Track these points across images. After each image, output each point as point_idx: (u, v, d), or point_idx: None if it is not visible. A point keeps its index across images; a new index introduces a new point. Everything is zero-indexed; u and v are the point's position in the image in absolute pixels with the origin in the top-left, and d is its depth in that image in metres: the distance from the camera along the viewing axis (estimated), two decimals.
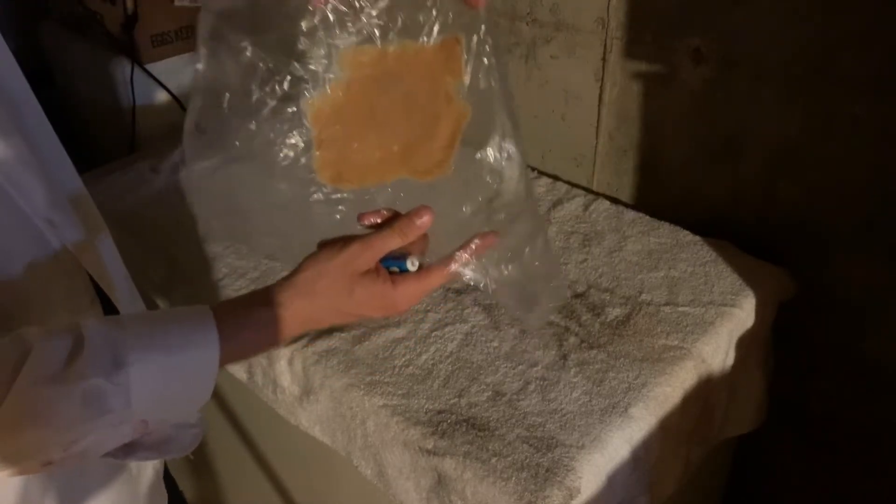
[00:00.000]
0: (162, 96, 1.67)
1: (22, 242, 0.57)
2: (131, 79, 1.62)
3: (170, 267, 1.14)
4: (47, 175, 0.59)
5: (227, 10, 0.57)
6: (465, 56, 0.61)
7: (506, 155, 0.65)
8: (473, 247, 0.62)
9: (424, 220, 0.59)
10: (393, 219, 0.61)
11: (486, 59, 0.62)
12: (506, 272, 0.64)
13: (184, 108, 1.69)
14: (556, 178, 1.31)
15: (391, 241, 0.59)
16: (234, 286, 1.07)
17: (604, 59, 1.19)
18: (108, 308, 0.68)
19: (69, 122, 1.86)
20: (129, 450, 0.54)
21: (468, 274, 0.63)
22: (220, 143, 0.60)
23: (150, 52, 1.62)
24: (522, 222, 0.66)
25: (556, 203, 1.22)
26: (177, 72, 1.68)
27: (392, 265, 0.60)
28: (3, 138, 0.55)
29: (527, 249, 0.66)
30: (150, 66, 1.64)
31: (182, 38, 1.66)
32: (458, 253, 0.61)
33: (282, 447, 1.17)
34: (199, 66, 0.59)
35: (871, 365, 1.09)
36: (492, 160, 0.64)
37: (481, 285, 0.63)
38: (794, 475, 1.26)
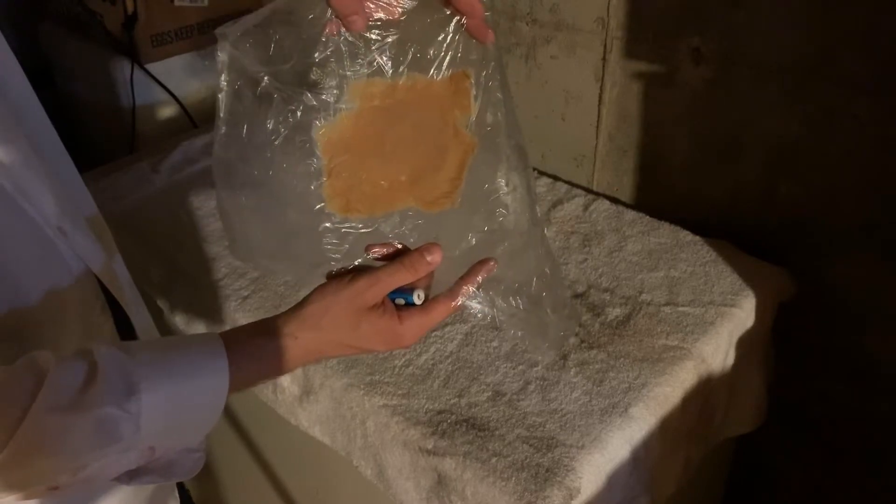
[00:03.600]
0: (162, 96, 1.67)
1: (33, 252, 0.57)
2: (131, 79, 1.62)
3: (170, 267, 1.14)
4: (54, 181, 0.59)
5: (242, 38, 0.58)
6: (474, 91, 0.62)
7: (511, 187, 0.65)
8: (479, 279, 0.62)
9: (434, 258, 0.59)
10: (401, 253, 0.61)
11: (493, 94, 0.63)
12: (514, 304, 0.65)
13: (184, 108, 1.69)
14: (556, 178, 1.31)
15: (400, 277, 0.59)
16: (233, 286, 1.07)
17: (604, 59, 1.19)
18: (117, 315, 0.68)
19: (69, 122, 1.86)
20: (134, 474, 0.54)
21: (476, 307, 0.63)
22: (242, 171, 0.61)
23: (150, 52, 1.62)
24: (529, 254, 0.67)
25: (556, 203, 1.22)
26: (177, 72, 1.68)
27: (398, 297, 0.61)
28: (8, 143, 0.55)
29: (534, 280, 0.66)
30: (150, 66, 1.64)
31: (182, 38, 1.66)
32: (463, 287, 0.62)
33: (282, 447, 1.17)
34: (221, 95, 0.60)
35: (871, 365, 1.09)
36: (498, 192, 0.65)
37: (488, 318, 0.64)
38: (794, 475, 1.26)
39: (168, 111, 1.70)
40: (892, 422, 1.10)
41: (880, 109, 0.95)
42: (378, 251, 0.62)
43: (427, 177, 0.64)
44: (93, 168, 1.39)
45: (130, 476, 0.54)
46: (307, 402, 0.96)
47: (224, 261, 1.12)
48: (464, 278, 0.62)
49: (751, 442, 1.20)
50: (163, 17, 1.61)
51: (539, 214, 0.68)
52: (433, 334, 0.96)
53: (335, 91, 0.59)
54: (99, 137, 1.82)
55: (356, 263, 0.62)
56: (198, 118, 1.69)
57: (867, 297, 1.06)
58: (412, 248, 0.61)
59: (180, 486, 0.82)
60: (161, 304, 1.12)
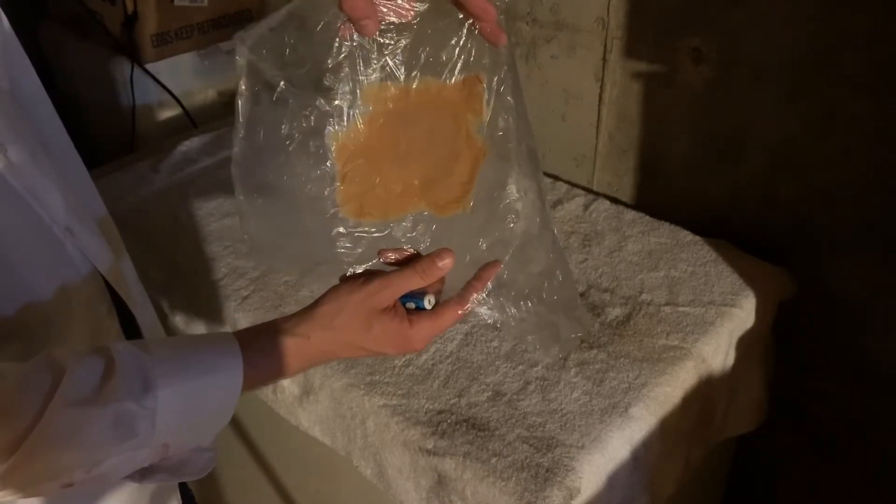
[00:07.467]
0: (162, 96, 1.67)
1: (41, 251, 0.58)
2: (131, 79, 1.62)
3: (170, 267, 1.14)
4: (63, 181, 0.60)
5: (259, 43, 0.59)
6: (486, 95, 0.62)
7: (522, 193, 0.66)
8: (490, 285, 0.63)
9: (446, 263, 0.60)
10: (414, 258, 0.62)
11: (505, 99, 0.63)
12: (524, 308, 0.65)
13: (184, 108, 1.69)
14: (556, 178, 1.31)
15: (411, 282, 0.60)
16: (233, 286, 1.07)
17: (604, 59, 1.19)
18: (123, 315, 0.68)
19: (69, 122, 1.85)
20: (147, 473, 0.55)
21: (487, 313, 0.63)
22: (258, 175, 0.62)
23: (150, 52, 1.63)
24: (539, 258, 0.67)
25: (556, 203, 1.22)
26: (177, 72, 1.68)
27: (409, 301, 0.61)
28: (20, 144, 0.55)
29: (545, 284, 0.66)
30: (150, 66, 1.64)
31: (182, 37, 1.66)
32: (473, 293, 0.63)
33: (282, 447, 1.17)
34: (240, 99, 0.61)
35: (871, 365, 1.09)
36: (509, 198, 0.66)
37: (499, 324, 0.64)
38: (794, 475, 1.26)
39: (168, 111, 1.70)
40: (892, 422, 1.10)
41: (880, 109, 0.95)
42: (390, 256, 0.63)
43: (439, 181, 0.64)
44: (93, 168, 1.38)
45: (142, 474, 0.55)
46: (307, 402, 0.96)
47: (224, 261, 1.12)
48: (471, 283, 0.63)
49: (751, 442, 1.20)
50: (163, 17, 1.61)
51: (549, 217, 0.68)
52: None
53: (348, 96, 0.59)
54: (99, 137, 1.82)
55: (369, 266, 0.62)
56: (198, 118, 1.69)
57: (867, 297, 1.06)
58: (424, 254, 0.62)
59: (183, 485, 0.82)
60: (162, 303, 1.12)
